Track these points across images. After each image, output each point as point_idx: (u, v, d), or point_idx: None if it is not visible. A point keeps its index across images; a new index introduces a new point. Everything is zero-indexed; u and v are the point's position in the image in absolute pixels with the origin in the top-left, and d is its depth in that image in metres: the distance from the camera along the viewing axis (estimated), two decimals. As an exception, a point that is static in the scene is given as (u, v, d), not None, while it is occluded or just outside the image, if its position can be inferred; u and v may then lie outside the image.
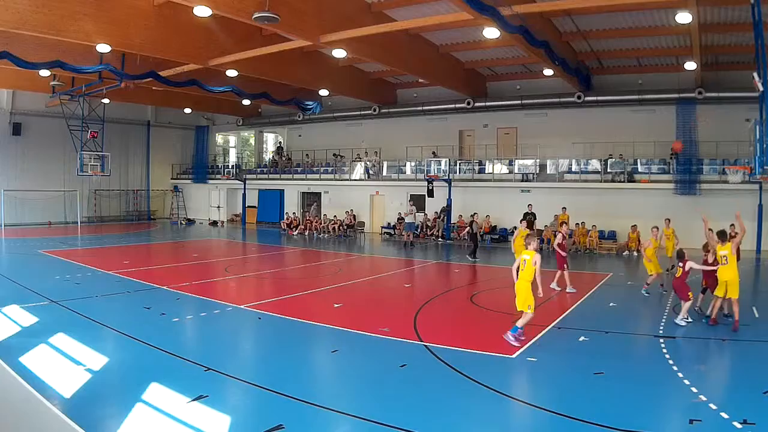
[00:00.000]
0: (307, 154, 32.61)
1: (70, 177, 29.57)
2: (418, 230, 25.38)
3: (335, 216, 28.06)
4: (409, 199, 25.63)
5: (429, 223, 25.73)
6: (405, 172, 28.05)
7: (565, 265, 12.56)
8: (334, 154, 30.38)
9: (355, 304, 11.34)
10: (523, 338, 8.00)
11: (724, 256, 9.08)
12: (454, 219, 25.34)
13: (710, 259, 9.44)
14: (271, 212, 33.24)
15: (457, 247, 22.93)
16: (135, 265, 15.81)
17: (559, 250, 12.65)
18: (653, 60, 21.86)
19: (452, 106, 26.25)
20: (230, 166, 34.94)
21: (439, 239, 24.58)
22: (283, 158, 33.72)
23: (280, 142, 34.28)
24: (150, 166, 36.50)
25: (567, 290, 12.22)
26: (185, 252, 20.47)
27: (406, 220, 23.48)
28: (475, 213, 20.32)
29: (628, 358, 7.59)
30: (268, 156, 37.80)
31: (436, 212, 25.81)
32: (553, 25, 18.46)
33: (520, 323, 7.99)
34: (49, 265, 16.10)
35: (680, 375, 6.65)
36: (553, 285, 12.39)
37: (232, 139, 40.90)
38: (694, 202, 20.84)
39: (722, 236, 9.38)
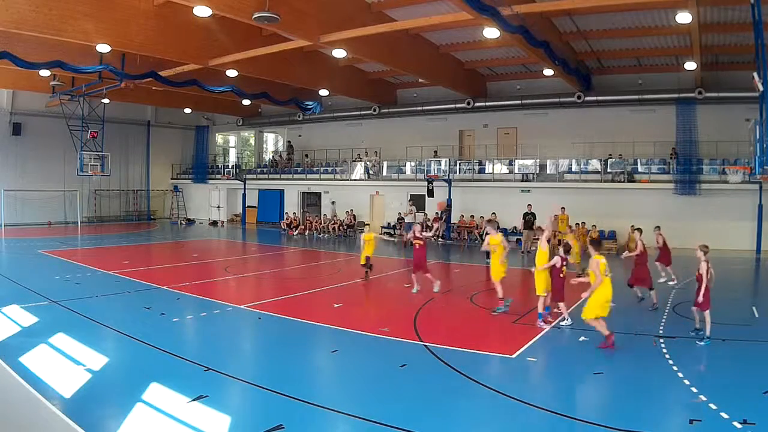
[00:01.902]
0: (306, 155, 32.61)
1: (70, 177, 29.54)
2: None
3: (335, 216, 28.07)
4: (408, 198, 25.62)
5: (429, 223, 25.68)
6: (405, 172, 28.03)
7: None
8: (344, 161, 30.15)
9: (355, 304, 11.34)
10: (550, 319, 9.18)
11: (570, 251, 9.97)
12: (454, 219, 25.33)
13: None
14: (271, 212, 33.23)
15: (458, 247, 22.93)
16: (135, 265, 15.80)
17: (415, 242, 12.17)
18: (653, 60, 21.86)
19: (452, 106, 26.25)
20: (230, 166, 34.93)
21: (439, 239, 24.56)
22: (293, 156, 33.59)
23: (289, 141, 34.22)
24: (150, 166, 36.48)
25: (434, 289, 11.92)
26: (185, 252, 20.47)
27: (405, 220, 23.47)
28: (493, 213, 20.23)
29: (628, 358, 7.58)
30: (269, 156, 37.78)
31: (437, 213, 25.78)
32: (553, 25, 18.46)
33: (540, 308, 9.23)
34: (49, 265, 16.10)
35: (680, 375, 6.65)
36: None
37: (232, 139, 40.89)
38: (694, 202, 20.86)
39: (493, 223, 10.98)
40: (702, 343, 8.02)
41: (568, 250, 9.53)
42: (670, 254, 12.97)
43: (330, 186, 30.38)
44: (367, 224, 15.65)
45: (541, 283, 9.18)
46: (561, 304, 9.27)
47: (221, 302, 10.85)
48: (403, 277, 15.68)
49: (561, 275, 9.19)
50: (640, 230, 11.73)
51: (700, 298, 8.18)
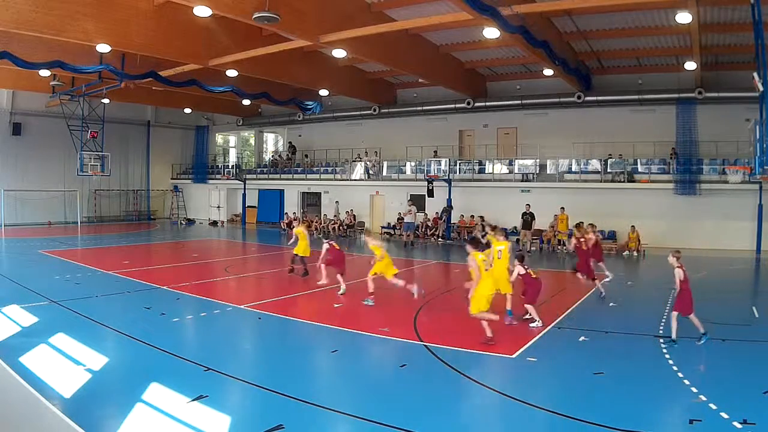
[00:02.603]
0: (306, 155, 32.61)
1: (70, 177, 29.55)
2: (419, 230, 25.40)
3: (335, 216, 28.07)
4: (408, 198, 25.60)
5: (429, 223, 25.71)
6: (405, 172, 28.03)
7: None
8: (344, 161, 30.16)
9: (355, 304, 11.33)
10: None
11: (500, 250, 9.69)
12: (455, 219, 25.33)
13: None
14: (271, 212, 33.23)
15: (458, 247, 22.92)
16: (135, 265, 15.80)
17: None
18: (653, 60, 21.85)
19: (452, 106, 26.25)
20: (230, 166, 34.92)
21: (440, 239, 24.57)
22: (294, 156, 33.57)
23: (290, 142, 34.22)
24: (150, 166, 36.48)
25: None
26: (185, 252, 20.46)
27: (405, 220, 23.47)
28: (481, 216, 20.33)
29: (628, 358, 7.58)
30: (269, 156, 37.79)
31: (437, 213, 25.80)
32: (553, 25, 18.46)
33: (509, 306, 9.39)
34: (49, 265, 16.10)
35: (680, 375, 6.65)
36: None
37: (232, 139, 40.89)
38: (694, 202, 20.86)
39: (499, 231, 10.60)
40: (701, 342, 7.99)
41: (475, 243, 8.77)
42: (602, 252, 13.11)
43: (330, 186, 30.39)
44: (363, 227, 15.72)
45: (505, 285, 9.37)
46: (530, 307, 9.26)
47: (221, 302, 10.85)
48: (403, 277, 15.67)
49: (533, 276, 9.35)
50: (592, 225, 12.47)
51: (683, 304, 8.03)
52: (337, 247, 12.28)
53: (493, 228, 11.22)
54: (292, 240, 14.41)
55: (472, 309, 8.03)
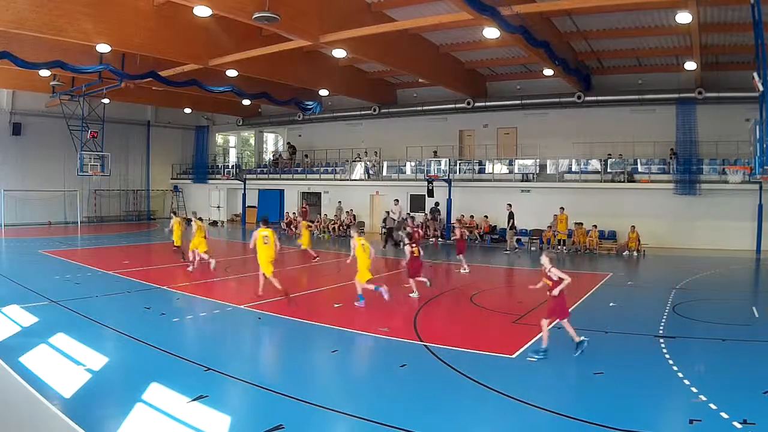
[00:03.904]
0: (306, 155, 32.61)
1: (70, 177, 29.53)
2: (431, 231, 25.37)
3: (336, 216, 28.07)
4: (396, 199, 25.58)
5: (428, 223, 25.69)
6: (405, 172, 28.03)
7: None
8: (344, 161, 30.18)
9: (355, 304, 11.32)
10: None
11: (265, 236, 10.86)
12: (454, 219, 25.29)
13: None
14: (271, 212, 33.20)
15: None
16: (135, 265, 15.80)
17: None
18: (653, 60, 21.85)
19: (452, 106, 26.24)
20: (230, 166, 34.89)
21: (431, 239, 24.60)
22: (294, 156, 33.57)
23: (289, 143, 34.22)
24: (150, 166, 36.47)
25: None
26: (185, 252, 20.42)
27: (396, 221, 23.61)
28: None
29: (628, 358, 7.59)
30: (269, 156, 37.79)
31: (425, 213, 25.92)
32: (553, 25, 18.45)
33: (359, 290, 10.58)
34: (49, 265, 16.10)
35: (680, 375, 6.66)
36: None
37: (232, 139, 40.88)
38: (694, 202, 20.86)
39: (265, 223, 11.66)
40: (536, 358, 7.33)
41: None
42: (466, 245, 15.63)
43: (330, 186, 30.38)
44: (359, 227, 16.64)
45: (364, 272, 10.54)
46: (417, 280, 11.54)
47: (221, 302, 10.85)
48: (403, 277, 15.68)
49: (415, 255, 11.61)
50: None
51: (560, 309, 7.44)
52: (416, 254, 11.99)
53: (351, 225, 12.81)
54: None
55: (359, 279, 10.45)
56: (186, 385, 6.15)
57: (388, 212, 25.86)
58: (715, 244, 20.49)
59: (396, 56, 20.02)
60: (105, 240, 23.89)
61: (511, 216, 21.29)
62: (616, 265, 17.62)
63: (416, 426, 5.24)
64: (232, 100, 29.57)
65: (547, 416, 5.59)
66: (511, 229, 21.38)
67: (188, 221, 17.69)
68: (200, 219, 15.60)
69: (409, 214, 26.40)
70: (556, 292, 7.32)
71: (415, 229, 16.45)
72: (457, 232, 16.21)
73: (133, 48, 17.56)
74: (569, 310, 7.78)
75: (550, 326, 7.50)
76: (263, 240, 10.87)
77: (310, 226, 16.28)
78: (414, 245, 11.73)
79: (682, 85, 21.38)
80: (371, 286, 10.47)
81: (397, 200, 24.84)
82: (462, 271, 15.46)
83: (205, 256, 14.38)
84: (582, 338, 7.44)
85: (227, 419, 5.41)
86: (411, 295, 11.39)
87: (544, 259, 7.66)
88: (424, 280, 11.75)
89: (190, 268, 14.53)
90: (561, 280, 7.37)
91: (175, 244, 16.36)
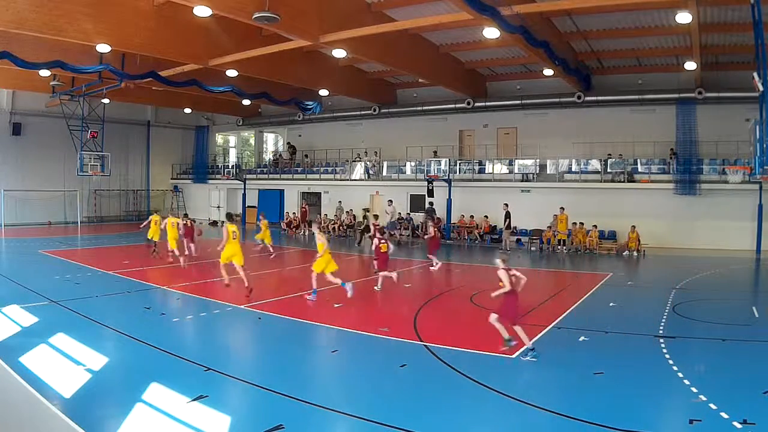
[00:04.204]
0: (306, 155, 32.61)
1: (70, 177, 29.53)
2: (418, 230, 25.51)
3: (336, 216, 28.07)
4: (390, 199, 25.68)
5: (433, 224, 25.71)
6: (405, 172, 28.04)
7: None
8: (344, 161, 30.19)
9: (355, 304, 11.32)
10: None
11: (234, 232, 11.54)
12: (454, 219, 25.34)
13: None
14: (271, 212, 33.21)
15: (457, 247, 22.94)
16: (135, 265, 15.80)
17: None
18: (653, 60, 21.85)
19: (452, 106, 26.25)
20: (230, 166, 34.90)
21: (425, 238, 24.66)
22: (294, 156, 33.58)
23: (289, 143, 34.24)
24: (150, 166, 36.47)
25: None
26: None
27: (389, 220, 23.77)
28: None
29: (628, 358, 7.58)
30: (269, 156, 37.79)
31: (409, 213, 26.08)
32: (553, 25, 18.45)
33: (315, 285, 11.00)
34: (49, 265, 16.09)
35: (680, 375, 6.65)
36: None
37: (232, 139, 40.88)
38: (694, 202, 20.87)
39: (229, 218, 12.29)
40: (528, 358, 7.24)
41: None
42: (439, 242, 16.38)
43: (330, 186, 30.39)
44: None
45: (320, 264, 10.99)
46: (383, 273, 12.15)
47: (221, 302, 10.84)
48: (404, 277, 15.68)
49: (383, 251, 12.16)
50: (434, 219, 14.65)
51: (506, 311, 7.46)
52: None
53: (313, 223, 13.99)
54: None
55: (315, 268, 10.95)
56: (186, 385, 6.15)
57: (366, 210, 26.19)
58: (715, 244, 20.49)
59: (396, 56, 20.02)
60: (105, 240, 23.88)
61: (507, 216, 21.37)
62: (616, 265, 17.62)
63: (416, 426, 5.24)
64: (232, 100, 29.56)
65: (547, 416, 5.58)
66: (507, 228, 21.47)
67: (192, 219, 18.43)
68: (186, 216, 16.80)
69: (408, 214, 26.56)
70: (493, 295, 7.44)
71: (435, 228, 17.00)
72: (431, 230, 16.58)
73: (133, 48, 17.56)
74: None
75: (515, 326, 7.41)
76: (232, 236, 11.56)
77: (271, 224, 17.31)
78: (383, 241, 12.29)
79: (682, 85, 21.38)
80: (337, 281, 10.88)
81: (390, 201, 24.99)
82: (432, 268, 15.59)
83: (177, 252, 15.67)
84: (532, 346, 7.36)
85: (227, 419, 5.41)
86: (375, 288, 12.19)
87: (498, 260, 7.71)
88: (392, 274, 12.28)
89: (170, 258, 15.91)
90: (504, 285, 7.40)
91: (148, 236, 17.62)
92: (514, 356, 7.50)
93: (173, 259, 15.75)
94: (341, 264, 12.72)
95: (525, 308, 10.44)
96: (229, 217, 12.52)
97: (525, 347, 7.35)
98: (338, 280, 10.99)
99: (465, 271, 16.77)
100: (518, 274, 7.53)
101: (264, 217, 19.59)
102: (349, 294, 10.81)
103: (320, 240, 11.11)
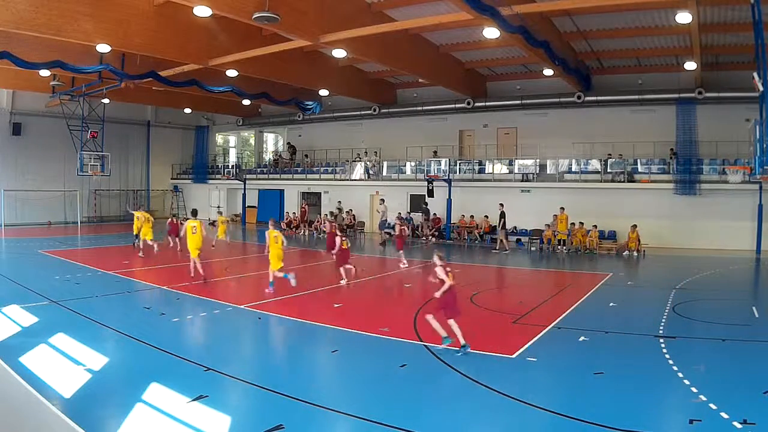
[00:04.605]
0: (306, 155, 32.61)
1: (70, 177, 29.52)
2: (418, 230, 25.55)
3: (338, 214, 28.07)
4: (382, 198, 25.77)
5: (429, 224, 25.74)
6: (405, 172, 28.04)
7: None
8: (345, 161, 30.24)
9: (355, 304, 11.34)
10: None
11: (194, 227, 12.73)
12: (454, 219, 25.35)
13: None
14: (271, 212, 33.21)
15: (457, 247, 22.94)
16: (135, 265, 15.80)
17: None
18: (653, 60, 21.85)
19: (452, 106, 26.25)
20: (230, 166, 34.89)
21: (423, 239, 24.76)
22: (294, 157, 33.59)
23: (289, 143, 34.25)
24: (150, 166, 36.48)
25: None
26: (185, 252, 20.42)
27: (380, 219, 23.85)
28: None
29: (628, 358, 7.58)
30: (269, 156, 37.79)
31: (422, 214, 26.15)
32: (553, 25, 18.45)
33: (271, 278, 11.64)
34: (49, 265, 16.09)
35: (680, 375, 6.66)
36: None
37: (232, 139, 40.89)
38: (694, 202, 20.87)
39: (194, 214, 13.99)
40: (459, 354, 7.40)
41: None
42: (404, 241, 16.81)
43: (330, 186, 30.39)
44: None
45: (275, 261, 11.60)
46: (345, 268, 13.21)
47: (221, 302, 10.84)
48: (404, 277, 15.69)
49: (344, 247, 13.23)
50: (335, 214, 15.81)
51: (443, 306, 7.57)
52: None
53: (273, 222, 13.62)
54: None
55: (272, 267, 11.57)
56: (186, 385, 6.15)
57: (340, 209, 26.74)
58: (715, 244, 20.49)
59: (396, 56, 20.02)
60: (105, 240, 23.88)
61: (502, 215, 21.42)
62: (616, 265, 17.62)
63: (416, 426, 5.24)
64: (232, 100, 29.56)
65: (547, 416, 5.59)
66: (502, 228, 21.52)
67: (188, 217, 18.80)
68: (174, 216, 17.86)
69: (408, 213, 26.56)
70: (438, 294, 7.60)
71: (402, 227, 17.50)
72: (397, 228, 17.20)
73: (133, 48, 17.55)
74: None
75: (451, 320, 7.55)
76: (191, 230, 12.77)
77: (226, 221, 18.03)
78: (344, 238, 13.43)
79: (682, 85, 21.38)
80: (281, 274, 11.57)
81: (382, 200, 25.07)
82: (401, 266, 16.22)
83: (150, 242, 17.10)
84: (466, 343, 7.46)
85: (227, 419, 5.41)
86: (341, 282, 13.04)
87: (435, 258, 7.89)
88: (350, 267, 13.44)
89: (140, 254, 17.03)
90: (443, 282, 7.55)
91: (134, 233, 18.64)
92: (514, 356, 7.51)
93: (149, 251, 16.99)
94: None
95: (526, 308, 10.49)
96: (194, 213, 14.25)
97: (462, 345, 7.45)
98: (280, 274, 11.76)
99: (465, 271, 16.76)
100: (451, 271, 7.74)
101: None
102: (293, 283, 11.56)
103: (273, 236, 11.73)
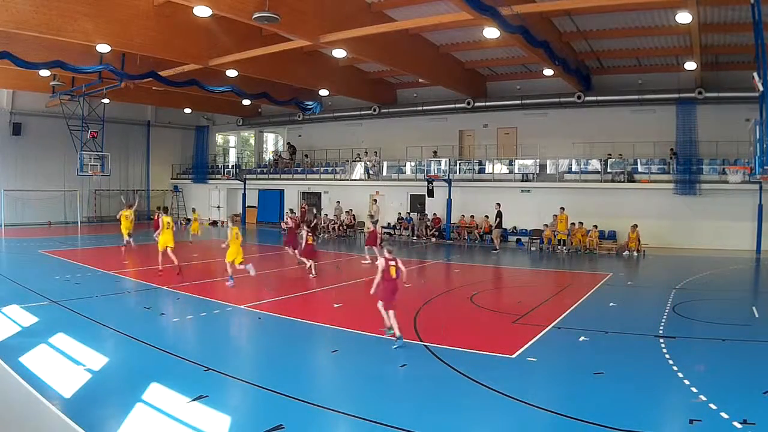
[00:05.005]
0: (306, 155, 32.61)
1: (70, 177, 29.53)
2: (418, 230, 25.58)
3: (335, 216, 28.07)
4: (375, 198, 25.79)
5: (429, 224, 25.76)
6: (405, 172, 28.04)
7: None
8: (345, 161, 30.29)
9: (355, 304, 11.33)
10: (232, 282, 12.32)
11: (168, 222, 13.98)
12: (454, 219, 25.36)
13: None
14: (271, 212, 33.23)
15: (457, 247, 22.94)
16: (135, 265, 15.81)
17: None
18: (653, 60, 21.85)
19: (452, 106, 26.25)
20: (230, 166, 34.90)
21: (414, 238, 24.78)
22: (294, 157, 33.58)
23: (289, 143, 34.26)
24: (150, 166, 36.47)
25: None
26: (185, 252, 20.41)
27: (372, 219, 23.88)
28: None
29: (628, 358, 7.58)
30: (269, 156, 37.79)
31: (424, 214, 26.17)
32: (553, 25, 18.46)
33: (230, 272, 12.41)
34: (49, 265, 16.09)
35: (680, 375, 6.65)
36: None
37: (232, 139, 40.88)
38: (694, 202, 20.87)
39: (165, 210, 15.71)
40: (395, 347, 7.76)
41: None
42: (377, 238, 17.05)
43: (330, 186, 30.39)
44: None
45: (232, 254, 12.20)
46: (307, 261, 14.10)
47: (221, 302, 10.84)
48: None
49: (309, 242, 14.04)
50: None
51: (373, 289, 8.26)
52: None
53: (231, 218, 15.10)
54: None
55: (227, 258, 12.26)
56: (186, 385, 6.15)
57: (311, 206, 27.59)
58: (715, 244, 20.49)
59: (396, 56, 20.02)
60: (105, 240, 23.86)
61: (498, 215, 21.46)
62: (616, 265, 17.62)
63: (416, 426, 5.24)
64: (232, 100, 29.56)
65: (547, 416, 5.59)
66: (498, 228, 21.57)
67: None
68: (158, 208, 19.11)
69: (408, 214, 26.54)
70: (373, 288, 8.23)
71: (375, 231, 17.60)
72: (371, 226, 17.87)
73: (133, 48, 17.55)
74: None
75: (389, 311, 8.04)
76: (167, 225, 13.91)
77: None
78: (309, 234, 14.28)
79: (682, 85, 21.37)
80: (242, 266, 12.29)
81: (375, 200, 25.10)
82: (363, 262, 16.88)
83: (127, 238, 17.51)
84: (400, 336, 7.88)
85: (227, 419, 5.41)
86: (310, 275, 13.92)
87: (384, 251, 8.57)
88: (307, 262, 14.16)
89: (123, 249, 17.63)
90: (384, 273, 8.14)
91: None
92: (514, 356, 7.51)
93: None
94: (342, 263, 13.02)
95: (525, 308, 10.49)
96: (165, 210, 15.77)
97: (397, 338, 7.84)
98: (247, 267, 12.35)
99: (465, 271, 16.77)
100: (401, 266, 8.22)
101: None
102: (252, 273, 12.30)
103: (235, 233, 12.33)
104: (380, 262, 8.20)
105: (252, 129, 37.26)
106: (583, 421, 5.34)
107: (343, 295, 12.24)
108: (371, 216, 20.57)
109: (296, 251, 15.63)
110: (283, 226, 18.80)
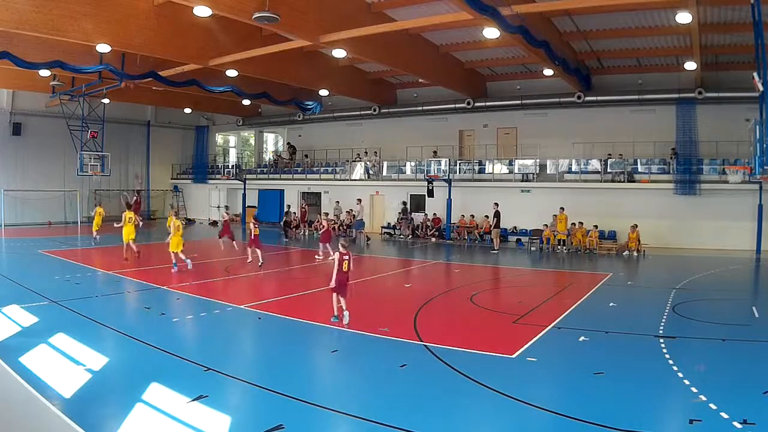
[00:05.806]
0: (306, 155, 32.61)
1: (70, 177, 29.53)
2: (418, 230, 25.60)
3: (335, 216, 28.05)
4: (359, 198, 25.87)
5: (429, 224, 25.76)
6: (405, 172, 28.04)
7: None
8: (345, 161, 30.31)
9: (354, 304, 11.31)
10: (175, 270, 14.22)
11: (130, 218, 16.24)
12: (454, 219, 25.37)
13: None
14: (271, 212, 33.22)
15: (457, 247, 22.95)
16: (135, 265, 15.80)
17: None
18: (653, 60, 21.85)
19: (452, 106, 26.25)
20: (230, 166, 34.90)
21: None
22: (294, 157, 33.59)
23: (289, 143, 34.27)
24: (150, 166, 36.48)
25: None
26: (185, 252, 20.38)
27: (355, 219, 24.03)
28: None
29: (628, 358, 7.58)
30: (269, 156, 37.78)
31: (425, 214, 26.24)
32: (553, 25, 18.46)
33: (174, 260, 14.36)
34: (49, 265, 16.09)
35: (680, 375, 6.65)
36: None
37: (232, 139, 40.89)
38: (694, 202, 20.87)
39: (128, 206, 17.88)
40: (332, 319, 9.13)
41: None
42: (330, 235, 18.19)
43: (330, 186, 30.39)
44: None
45: (174, 245, 14.36)
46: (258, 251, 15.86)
47: (221, 302, 10.84)
48: (404, 277, 15.71)
49: (255, 234, 15.89)
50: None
51: (332, 283, 9.11)
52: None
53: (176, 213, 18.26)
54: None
55: (171, 248, 14.39)
56: (186, 385, 6.15)
57: (288, 206, 28.97)
58: (715, 244, 20.50)
59: (396, 56, 20.02)
60: (105, 240, 23.84)
61: (496, 215, 21.50)
62: (616, 265, 17.62)
63: (416, 426, 5.24)
64: (232, 100, 29.57)
65: (547, 416, 5.59)
66: (496, 227, 21.59)
67: (189, 221, 18.98)
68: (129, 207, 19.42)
69: (409, 214, 26.53)
70: (332, 281, 9.10)
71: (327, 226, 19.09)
72: (325, 224, 18.93)
73: (133, 48, 17.56)
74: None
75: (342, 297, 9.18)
76: (128, 220, 16.11)
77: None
78: (256, 226, 16.03)
79: (682, 85, 21.38)
80: (183, 256, 14.33)
81: (359, 200, 25.23)
82: (317, 257, 17.79)
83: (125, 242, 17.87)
84: (347, 323, 8.95)
85: (227, 419, 5.40)
86: (258, 264, 15.59)
87: (339, 246, 9.35)
88: (258, 251, 15.79)
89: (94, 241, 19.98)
90: (337, 265, 9.11)
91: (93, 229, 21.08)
92: (514, 356, 7.51)
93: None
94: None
95: (525, 308, 10.49)
96: (128, 206, 17.96)
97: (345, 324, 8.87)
98: (183, 257, 14.33)
99: (465, 271, 16.77)
100: (350, 259, 9.24)
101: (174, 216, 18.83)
102: (189, 266, 14.32)
103: (173, 224, 14.61)
104: (336, 257, 9.12)
105: (252, 129, 37.26)
106: (583, 421, 5.34)
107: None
108: (327, 214, 21.53)
109: (234, 241, 19.02)
110: (220, 219, 22.53)
